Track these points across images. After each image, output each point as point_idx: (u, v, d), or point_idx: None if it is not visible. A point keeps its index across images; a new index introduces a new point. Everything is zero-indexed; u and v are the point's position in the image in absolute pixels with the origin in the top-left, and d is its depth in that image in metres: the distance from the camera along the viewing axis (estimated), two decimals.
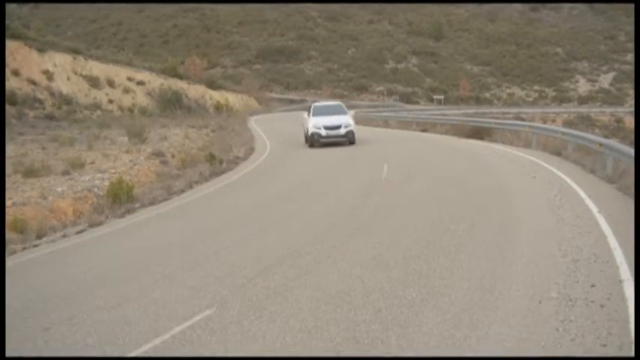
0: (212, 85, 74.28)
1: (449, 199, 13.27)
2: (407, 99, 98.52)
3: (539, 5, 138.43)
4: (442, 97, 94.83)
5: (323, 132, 27.53)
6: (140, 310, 7.43)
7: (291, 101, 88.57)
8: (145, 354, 6.13)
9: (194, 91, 67.23)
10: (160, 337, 6.45)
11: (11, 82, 43.57)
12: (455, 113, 54.57)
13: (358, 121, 46.05)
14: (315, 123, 27.85)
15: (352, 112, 30.48)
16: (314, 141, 27.62)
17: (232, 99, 74.86)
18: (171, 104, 55.48)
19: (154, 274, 8.98)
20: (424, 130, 35.97)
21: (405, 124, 41.31)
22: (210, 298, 7.59)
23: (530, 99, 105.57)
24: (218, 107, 65.50)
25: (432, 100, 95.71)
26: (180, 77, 68.04)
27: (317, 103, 31.86)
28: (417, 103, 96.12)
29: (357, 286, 7.65)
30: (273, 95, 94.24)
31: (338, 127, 27.68)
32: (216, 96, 70.73)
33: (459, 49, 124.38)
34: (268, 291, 7.72)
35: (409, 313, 6.60)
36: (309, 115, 28.87)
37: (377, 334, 6.12)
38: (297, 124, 33.73)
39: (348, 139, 27.59)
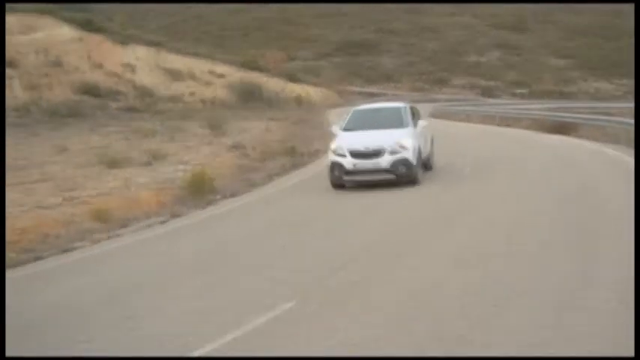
0: (292, 77, 74.64)
1: (534, 197, 12.96)
2: (489, 93, 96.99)
3: None
4: (525, 90, 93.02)
5: (349, 162, 14.94)
6: (222, 301, 7.49)
7: (372, 95, 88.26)
8: (225, 345, 6.12)
9: (274, 83, 67.72)
10: (241, 329, 6.44)
11: (94, 75, 44.88)
12: (539, 108, 53.17)
13: (439, 115, 45.45)
14: (339, 145, 15.37)
15: (423, 122, 17.37)
16: (334, 178, 15.33)
17: (312, 92, 75.07)
18: (252, 97, 56.02)
19: (235, 266, 9.06)
20: (507, 125, 35.32)
21: (488, 119, 40.68)
22: (291, 291, 7.57)
23: (619, 93, 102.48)
24: (298, 100, 65.79)
25: (514, 94, 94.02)
26: (260, 70, 68.69)
27: (358, 107, 19.44)
28: (499, 97, 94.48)
29: (441, 282, 7.52)
30: (354, 89, 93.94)
31: (377, 152, 14.84)
32: (297, 89, 71.05)
33: (542, 42, 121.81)
34: (349, 285, 7.66)
35: (494, 311, 6.43)
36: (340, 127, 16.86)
37: (461, 331, 5.97)
38: None
39: (398, 176, 14.86)
